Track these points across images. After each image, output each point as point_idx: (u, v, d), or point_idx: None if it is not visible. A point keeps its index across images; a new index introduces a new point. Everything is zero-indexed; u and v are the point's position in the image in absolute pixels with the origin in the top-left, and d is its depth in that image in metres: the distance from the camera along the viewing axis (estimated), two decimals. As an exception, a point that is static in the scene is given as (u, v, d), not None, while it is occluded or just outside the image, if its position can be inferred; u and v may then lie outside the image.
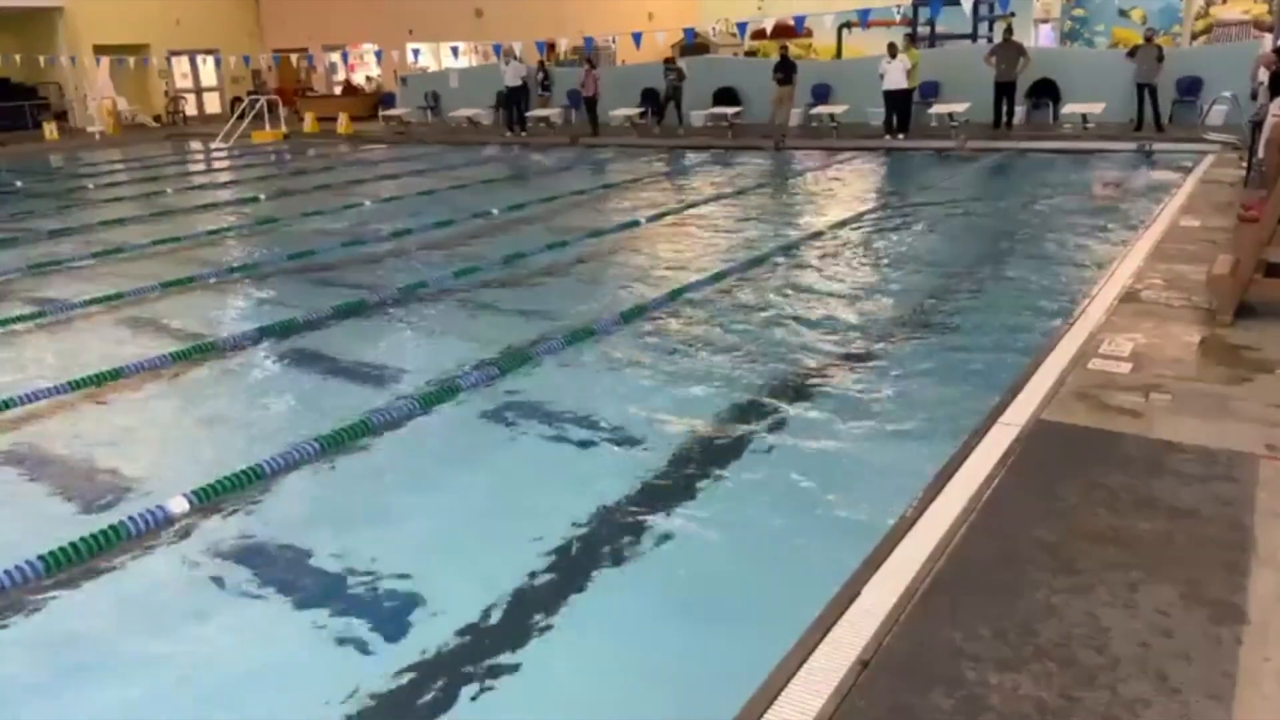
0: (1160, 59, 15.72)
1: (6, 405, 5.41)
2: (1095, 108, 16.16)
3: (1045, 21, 27.76)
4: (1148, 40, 16.21)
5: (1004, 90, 16.93)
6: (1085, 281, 7.17)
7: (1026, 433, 4.10)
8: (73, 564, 3.71)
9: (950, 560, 3.12)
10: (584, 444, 4.90)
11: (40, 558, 3.64)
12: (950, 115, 17.31)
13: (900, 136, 17.23)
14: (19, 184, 17.33)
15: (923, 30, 22.62)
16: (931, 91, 18.65)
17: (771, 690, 2.54)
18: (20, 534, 4.03)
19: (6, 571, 3.54)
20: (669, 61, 20.69)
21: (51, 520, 4.20)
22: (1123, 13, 25.66)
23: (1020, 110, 17.48)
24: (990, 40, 21.18)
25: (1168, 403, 4.35)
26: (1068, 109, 16.87)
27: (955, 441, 4.20)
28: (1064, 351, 5.11)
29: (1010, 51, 16.84)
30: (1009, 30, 17.72)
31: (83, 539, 3.78)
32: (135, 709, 3.03)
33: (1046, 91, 17.83)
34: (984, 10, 22.25)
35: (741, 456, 4.64)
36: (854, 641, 2.71)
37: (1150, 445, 3.91)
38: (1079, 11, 27.23)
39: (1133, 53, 16.39)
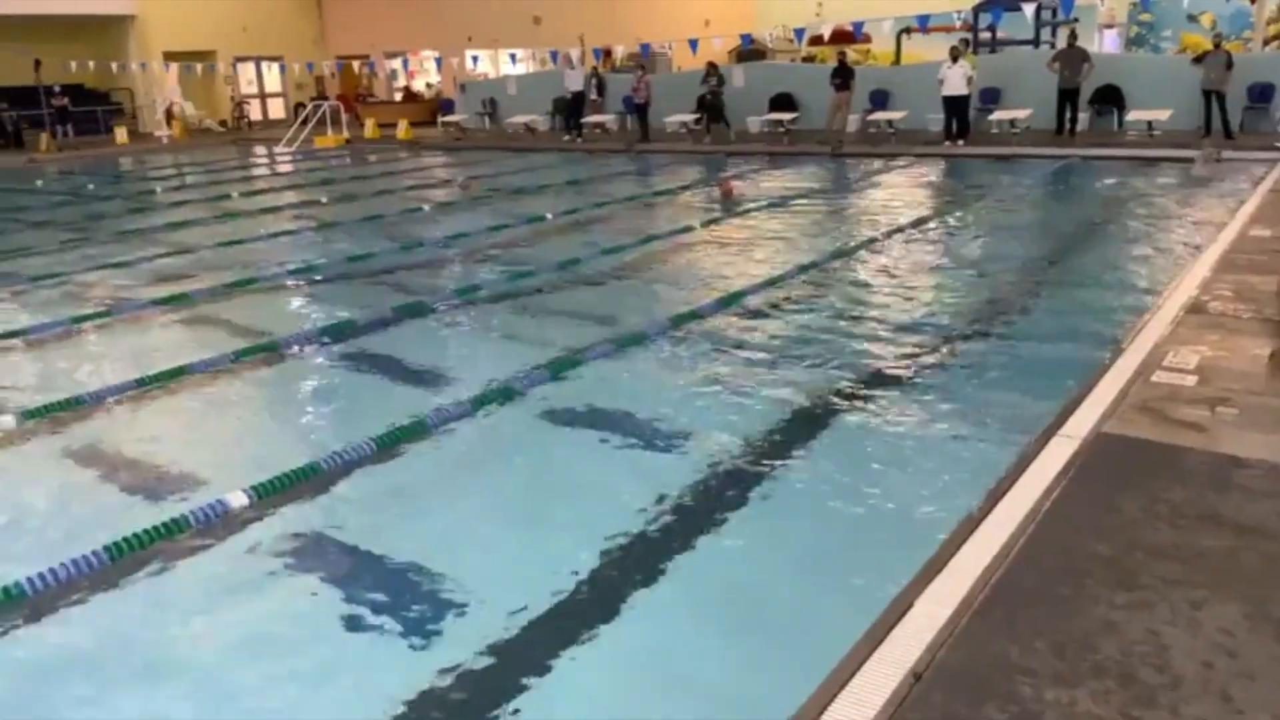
0: (1230, 65, 15.34)
1: (77, 401, 5.58)
2: (1161, 114, 15.84)
3: (1110, 27, 27.22)
4: (1216, 46, 15.84)
5: (1067, 97, 16.67)
6: (1150, 292, 7.02)
7: (1087, 445, 4.02)
8: (135, 553, 3.81)
9: (1007, 573, 3.07)
10: (635, 446, 4.91)
11: (105, 548, 3.76)
12: (1012, 122, 17.08)
13: (960, 143, 17.02)
14: (90, 186, 17.87)
15: (984, 36, 22.33)
16: (992, 98, 18.40)
17: (822, 701, 2.52)
18: (86, 524, 4.14)
19: (74, 561, 3.66)
20: (710, 66, 20.43)
21: (115, 512, 4.31)
22: (1191, 18, 25.02)
23: (1084, 117, 17.18)
24: (1052, 46, 20.84)
25: (1234, 417, 4.23)
26: (1132, 116, 16.56)
27: (1014, 452, 4.13)
28: (1127, 363, 5.00)
29: (1074, 57, 16.58)
30: (1073, 36, 17.45)
31: (145, 530, 3.89)
32: (167, 706, 3.10)
33: (1111, 98, 17.51)
34: (1046, 16, 21.89)
35: (794, 461, 4.61)
36: (907, 653, 2.67)
37: (1215, 460, 3.80)
38: (1145, 16, 26.65)
39: (1199, 59, 16.03)
